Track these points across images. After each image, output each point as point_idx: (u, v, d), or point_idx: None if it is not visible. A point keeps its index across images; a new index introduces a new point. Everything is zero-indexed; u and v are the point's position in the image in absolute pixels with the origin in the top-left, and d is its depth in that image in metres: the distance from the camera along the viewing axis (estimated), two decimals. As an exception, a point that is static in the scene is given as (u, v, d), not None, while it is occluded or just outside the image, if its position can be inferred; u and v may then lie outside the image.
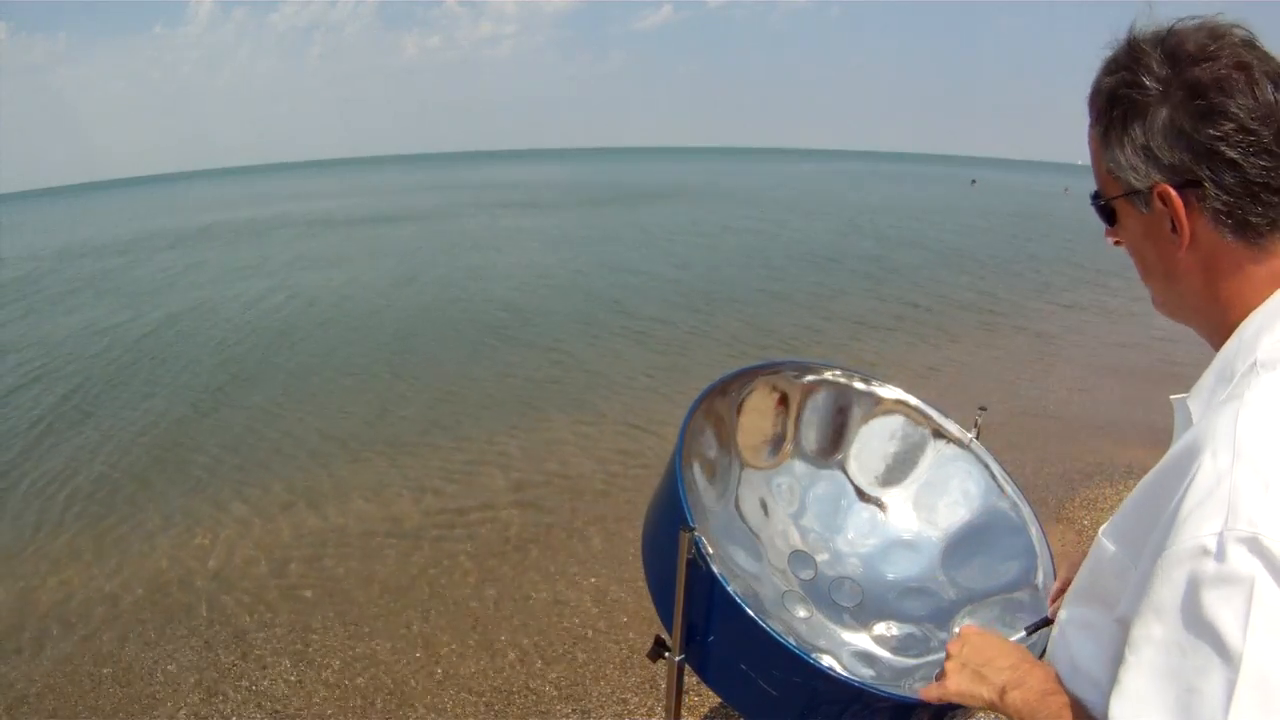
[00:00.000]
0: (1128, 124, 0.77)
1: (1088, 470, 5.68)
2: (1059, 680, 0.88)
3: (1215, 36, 0.75)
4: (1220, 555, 0.64)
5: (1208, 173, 0.73)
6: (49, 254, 22.98)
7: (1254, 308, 0.77)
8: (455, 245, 19.80)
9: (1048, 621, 1.24)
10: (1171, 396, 0.88)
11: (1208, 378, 0.81)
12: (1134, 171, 0.78)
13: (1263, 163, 0.72)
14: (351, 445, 6.73)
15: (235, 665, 3.86)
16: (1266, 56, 0.74)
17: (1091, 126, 0.83)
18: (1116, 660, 0.75)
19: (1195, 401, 0.81)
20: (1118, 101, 0.78)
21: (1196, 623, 0.65)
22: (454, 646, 3.93)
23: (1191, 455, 0.70)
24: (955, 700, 0.96)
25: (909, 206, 33.18)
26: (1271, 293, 0.77)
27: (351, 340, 10.42)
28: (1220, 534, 0.64)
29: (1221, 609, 0.63)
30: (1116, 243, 0.90)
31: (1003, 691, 0.90)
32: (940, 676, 0.99)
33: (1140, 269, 0.88)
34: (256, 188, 71.60)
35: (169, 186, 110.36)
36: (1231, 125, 0.72)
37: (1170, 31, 0.76)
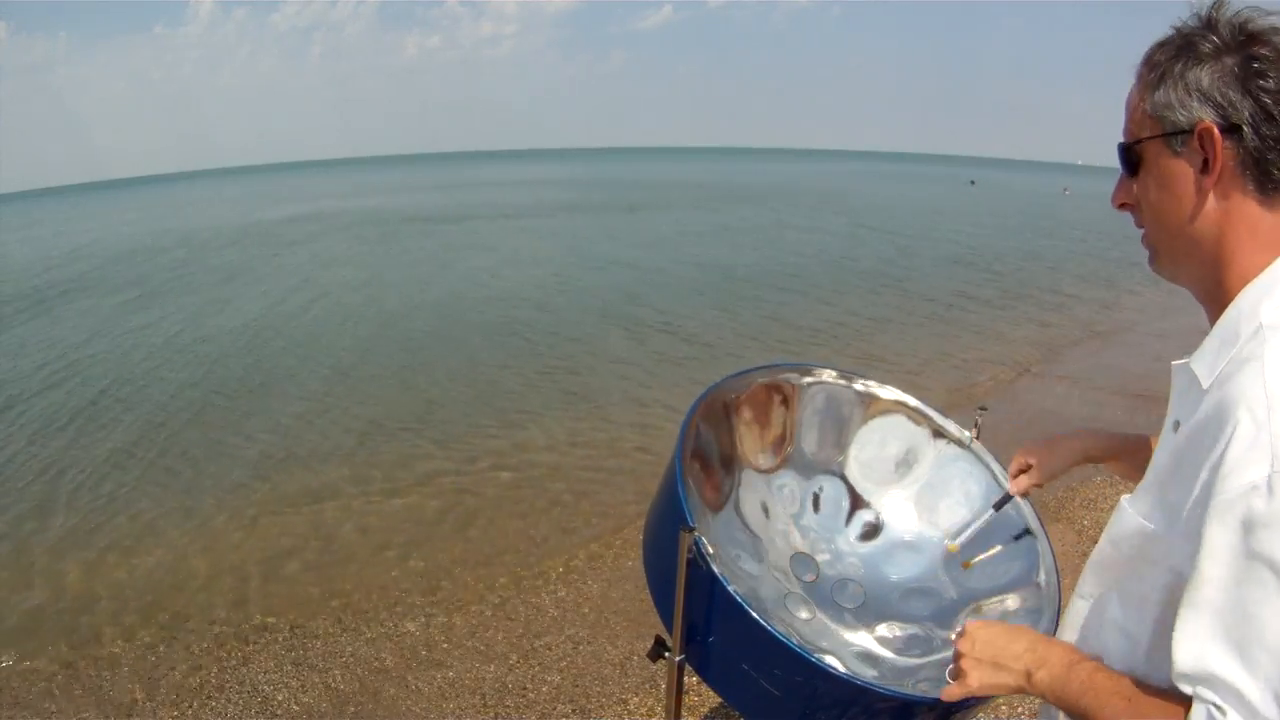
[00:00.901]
0: (1186, 69, 0.86)
1: (1088, 471, 5.65)
2: (1076, 649, 0.94)
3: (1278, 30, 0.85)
4: (1271, 495, 0.69)
5: (1249, 119, 0.82)
6: (60, 254, 22.99)
7: (1251, 267, 0.85)
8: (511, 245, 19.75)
9: (1009, 497, 1.47)
10: (1173, 363, 0.94)
11: (1211, 342, 0.87)
12: (1182, 108, 0.86)
13: None
14: (352, 447, 6.74)
15: (236, 668, 3.87)
16: None
17: (1141, 78, 0.91)
18: (1159, 617, 0.83)
19: (1200, 364, 0.87)
20: (1181, 52, 0.87)
21: (1252, 557, 0.70)
22: (454, 648, 3.93)
23: (1224, 416, 0.76)
24: (980, 694, 0.99)
25: (911, 206, 33.20)
26: (1270, 255, 0.84)
27: (369, 340, 10.44)
28: (1269, 476, 0.70)
29: (1276, 543, 0.68)
30: (1122, 205, 0.96)
31: (1028, 675, 0.93)
32: (957, 676, 1.01)
33: (1151, 220, 0.93)
34: (264, 188, 71.48)
35: (172, 186, 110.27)
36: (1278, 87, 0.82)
37: (1241, 14, 0.87)
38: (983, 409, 1.69)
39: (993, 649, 0.98)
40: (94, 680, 3.82)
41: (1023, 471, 1.46)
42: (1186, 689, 0.75)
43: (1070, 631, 1.02)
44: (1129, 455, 1.40)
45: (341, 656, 3.90)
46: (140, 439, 7.05)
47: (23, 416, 7.84)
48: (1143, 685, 0.84)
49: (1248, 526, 0.70)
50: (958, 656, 1.01)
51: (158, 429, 7.30)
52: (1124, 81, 0.95)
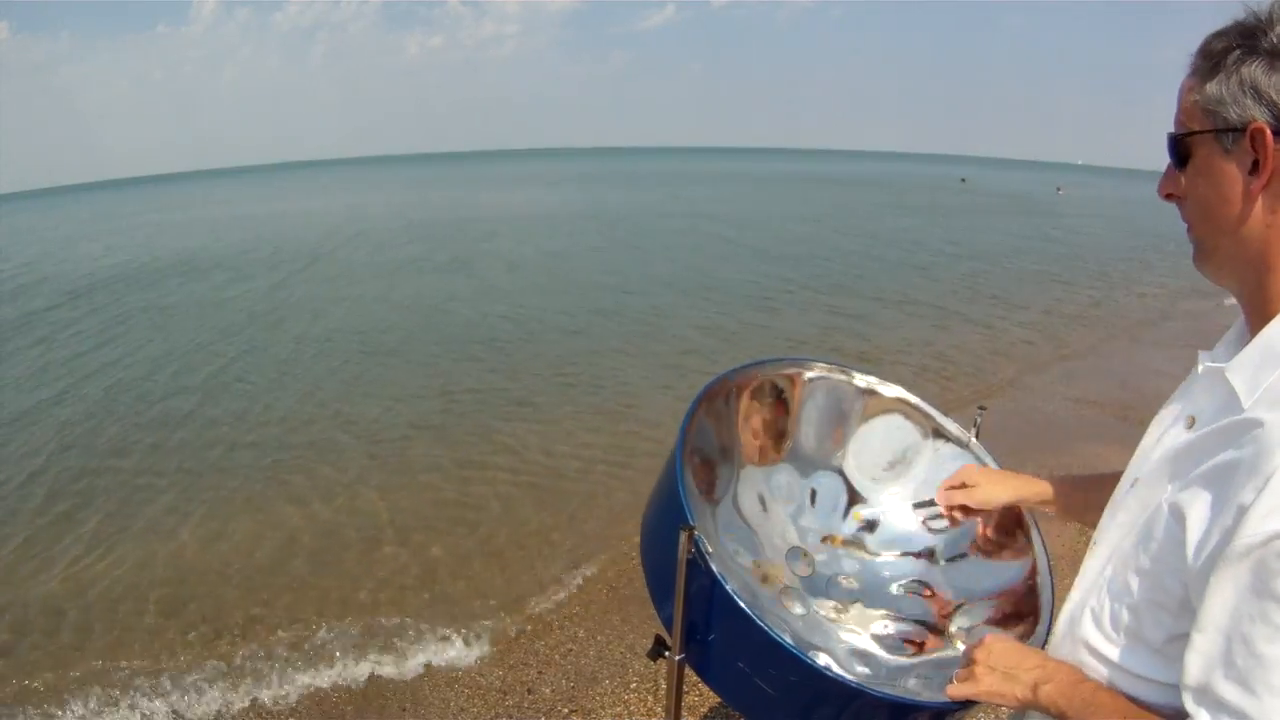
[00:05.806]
0: (1242, 63, 0.83)
1: (1087, 471, 5.65)
2: (1080, 670, 0.98)
3: None
4: None
5: None
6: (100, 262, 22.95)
7: None
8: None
9: (933, 503, 1.48)
10: (1202, 359, 0.93)
11: (1250, 354, 0.85)
12: (1235, 105, 0.83)
13: None
14: (354, 446, 6.73)
15: (236, 663, 3.87)
16: None
17: (1195, 68, 0.88)
18: (1158, 607, 0.87)
19: (1238, 376, 0.85)
20: (1239, 45, 0.84)
21: (1265, 597, 0.72)
22: (454, 646, 3.93)
23: (1263, 454, 0.76)
24: (984, 699, 1.05)
25: (910, 206, 33.20)
26: None
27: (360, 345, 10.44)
28: None
29: None
30: (1169, 196, 0.94)
31: (1035, 687, 0.98)
32: (966, 678, 1.06)
33: (1198, 216, 0.91)
34: (273, 186, 71.24)
35: (176, 185, 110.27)
36: None
37: None
38: (982, 408, 1.70)
39: (1007, 660, 1.03)
40: (95, 676, 3.83)
41: (955, 489, 1.45)
42: (1190, 705, 0.78)
43: (1079, 584, 1.04)
44: (1072, 505, 1.40)
45: (341, 652, 3.90)
46: (143, 437, 7.05)
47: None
48: (1142, 706, 0.88)
49: (1268, 570, 0.72)
50: (972, 661, 1.07)
51: (159, 424, 7.30)
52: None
